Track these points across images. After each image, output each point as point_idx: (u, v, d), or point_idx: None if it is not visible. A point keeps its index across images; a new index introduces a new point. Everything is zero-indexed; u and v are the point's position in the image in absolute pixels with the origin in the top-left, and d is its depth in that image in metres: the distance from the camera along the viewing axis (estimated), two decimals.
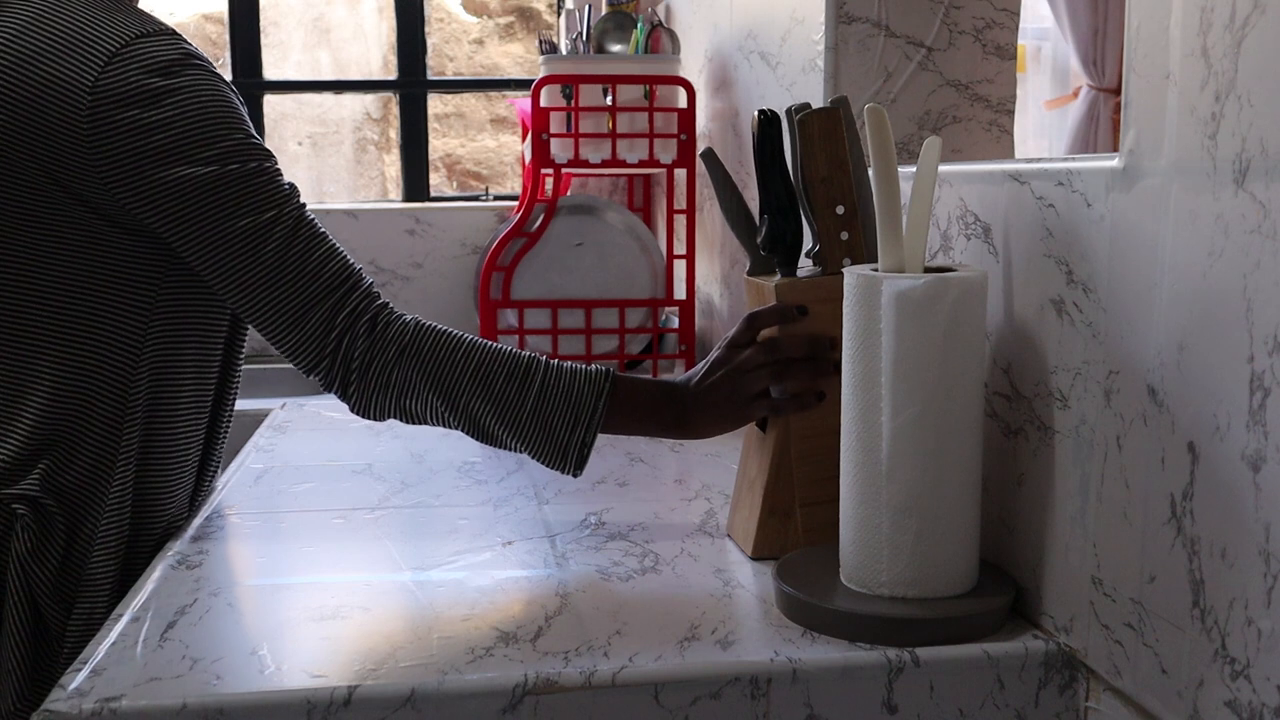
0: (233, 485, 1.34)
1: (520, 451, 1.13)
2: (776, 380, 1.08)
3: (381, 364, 1.10)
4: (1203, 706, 0.73)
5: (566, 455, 1.11)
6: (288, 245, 1.09)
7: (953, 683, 0.86)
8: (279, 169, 1.13)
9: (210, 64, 1.13)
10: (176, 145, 1.07)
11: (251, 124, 1.14)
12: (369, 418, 1.14)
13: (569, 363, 1.13)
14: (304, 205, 1.13)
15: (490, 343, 1.13)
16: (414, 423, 1.15)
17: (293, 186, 1.14)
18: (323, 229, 1.13)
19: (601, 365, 1.13)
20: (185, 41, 1.12)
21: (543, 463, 1.12)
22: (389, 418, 1.14)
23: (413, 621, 0.93)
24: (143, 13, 1.14)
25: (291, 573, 1.05)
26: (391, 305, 1.14)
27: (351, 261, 1.13)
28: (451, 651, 0.87)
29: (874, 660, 0.86)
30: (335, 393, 1.13)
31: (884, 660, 0.86)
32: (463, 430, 1.14)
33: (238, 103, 1.13)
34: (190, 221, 1.08)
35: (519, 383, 1.10)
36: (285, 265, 1.09)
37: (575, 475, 1.13)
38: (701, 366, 1.13)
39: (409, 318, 1.13)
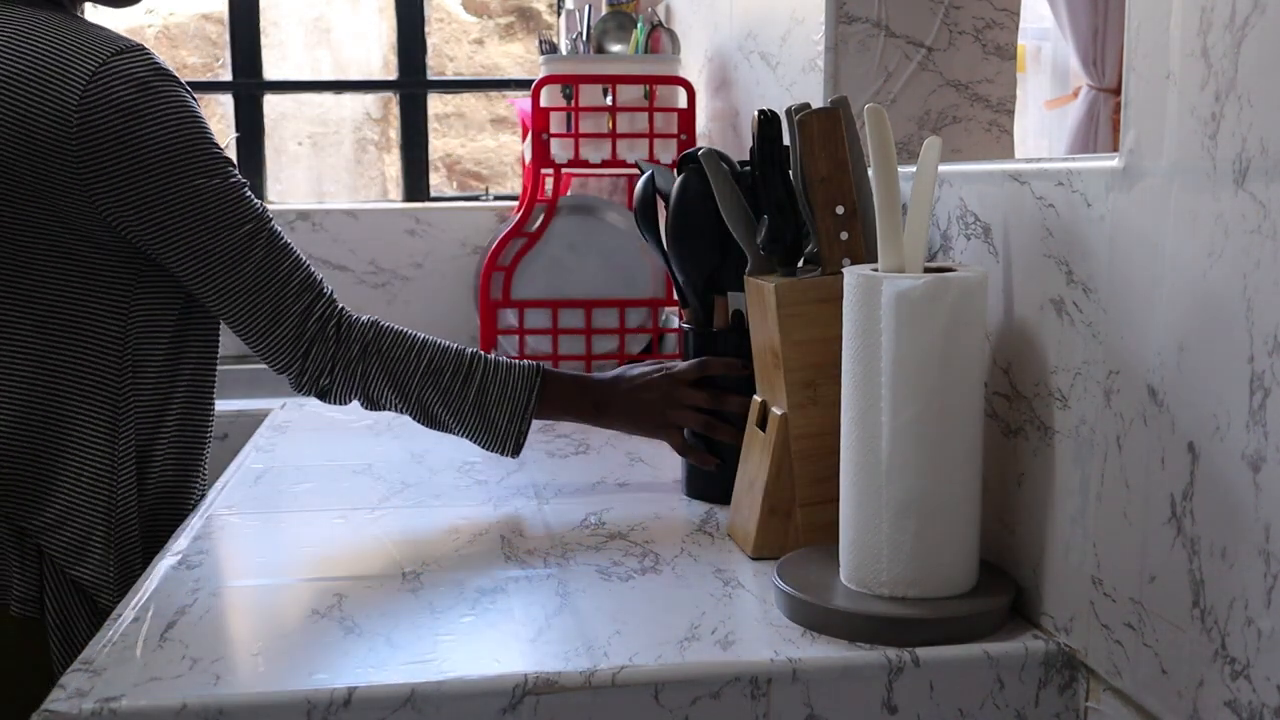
0: (233, 485, 1.34)
1: (463, 437, 1.28)
2: (707, 430, 1.24)
3: (346, 361, 1.23)
4: (1203, 706, 0.73)
5: (505, 443, 1.27)
6: (264, 259, 1.20)
7: (953, 683, 0.86)
8: (244, 180, 1.22)
9: (178, 78, 1.19)
10: (160, 160, 1.14)
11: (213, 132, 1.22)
12: (334, 404, 1.28)
13: (505, 359, 1.28)
14: (271, 218, 1.22)
15: (437, 339, 1.27)
16: (375, 409, 1.28)
17: (260, 201, 1.23)
18: (288, 239, 1.23)
19: (531, 362, 1.28)
20: (155, 56, 1.18)
21: (482, 447, 1.28)
22: (352, 402, 1.28)
23: (413, 621, 0.93)
24: (111, 32, 1.19)
25: (291, 573, 1.05)
26: (344, 306, 1.26)
27: (313, 269, 1.25)
28: (451, 651, 0.87)
29: (874, 660, 0.86)
30: (304, 389, 1.25)
31: (884, 660, 0.86)
32: (413, 417, 1.28)
33: (203, 115, 1.21)
34: (175, 234, 1.16)
35: (463, 378, 1.25)
36: (262, 278, 1.20)
37: (513, 457, 1.29)
38: (640, 374, 1.30)
39: (364, 318, 1.26)
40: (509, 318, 1.90)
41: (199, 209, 1.16)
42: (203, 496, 1.31)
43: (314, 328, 1.21)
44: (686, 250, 1.25)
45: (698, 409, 1.25)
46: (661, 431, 1.28)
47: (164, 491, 1.26)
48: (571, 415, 1.31)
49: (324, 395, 1.25)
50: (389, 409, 1.27)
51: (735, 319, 1.24)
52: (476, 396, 1.24)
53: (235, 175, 1.20)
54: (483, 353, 1.27)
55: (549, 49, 1.97)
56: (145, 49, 1.17)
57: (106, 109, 1.11)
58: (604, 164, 1.85)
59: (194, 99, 1.19)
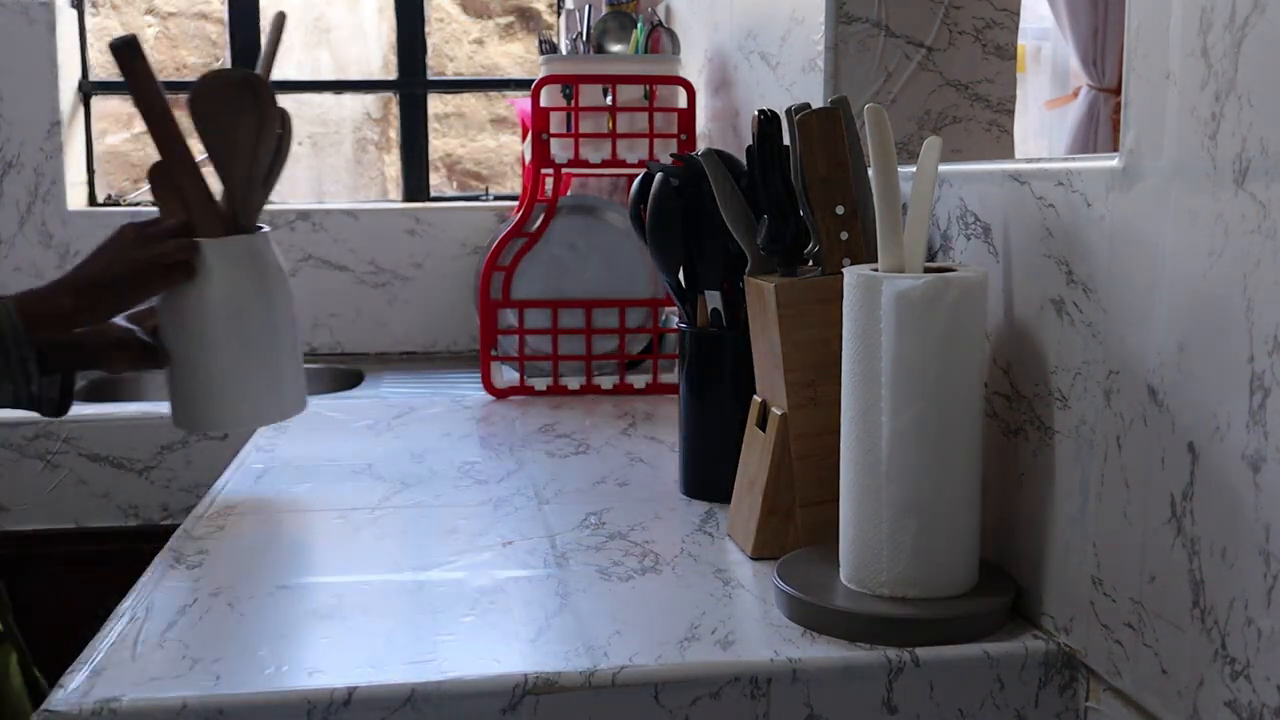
0: (233, 485, 1.34)
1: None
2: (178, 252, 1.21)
3: None
4: (1203, 706, 0.73)
5: (29, 376, 1.16)
6: None
7: (953, 683, 0.86)
8: None
9: None
10: None
11: None
12: None
13: None
14: None
15: None
16: None
17: None
18: None
19: None
20: None
21: (14, 395, 1.17)
22: None
23: (413, 621, 0.93)
24: None
25: (291, 573, 1.05)
26: None
27: None
28: (451, 651, 0.87)
29: (874, 660, 0.86)
30: None
31: (884, 660, 0.86)
32: None
33: None
34: None
35: None
36: None
37: (53, 414, 1.21)
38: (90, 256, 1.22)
39: None
40: (509, 318, 1.90)
41: None
42: None
43: None
44: (658, 249, 1.27)
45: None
46: (166, 273, 1.22)
47: None
48: (60, 324, 1.20)
49: None
50: None
51: (713, 318, 1.24)
52: None
53: None
54: None
55: (549, 49, 1.97)
56: None
57: None
58: (604, 164, 1.85)
59: None
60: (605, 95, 1.87)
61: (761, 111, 1.08)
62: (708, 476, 1.25)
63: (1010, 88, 1.37)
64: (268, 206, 2.20)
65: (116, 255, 1.20)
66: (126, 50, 1.22)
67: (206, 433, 1.33)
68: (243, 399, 1.27)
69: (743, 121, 1.73)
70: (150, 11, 2.66)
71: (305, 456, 1.48)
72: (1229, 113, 0.68)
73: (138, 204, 2.52)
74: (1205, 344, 0.71)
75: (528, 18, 2.79)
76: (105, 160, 2.60)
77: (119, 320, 1.30)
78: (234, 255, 1.25)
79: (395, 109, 2.66)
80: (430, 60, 2.62)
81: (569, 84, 1.85)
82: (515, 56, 2.78)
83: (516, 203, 2.30)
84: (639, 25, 1.94)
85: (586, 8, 2.00)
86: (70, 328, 1.22)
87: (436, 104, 2.68)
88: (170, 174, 1.25)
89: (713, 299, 1.24)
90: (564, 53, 2.04)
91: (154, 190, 1.26)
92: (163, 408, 1.42)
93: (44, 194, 2.40)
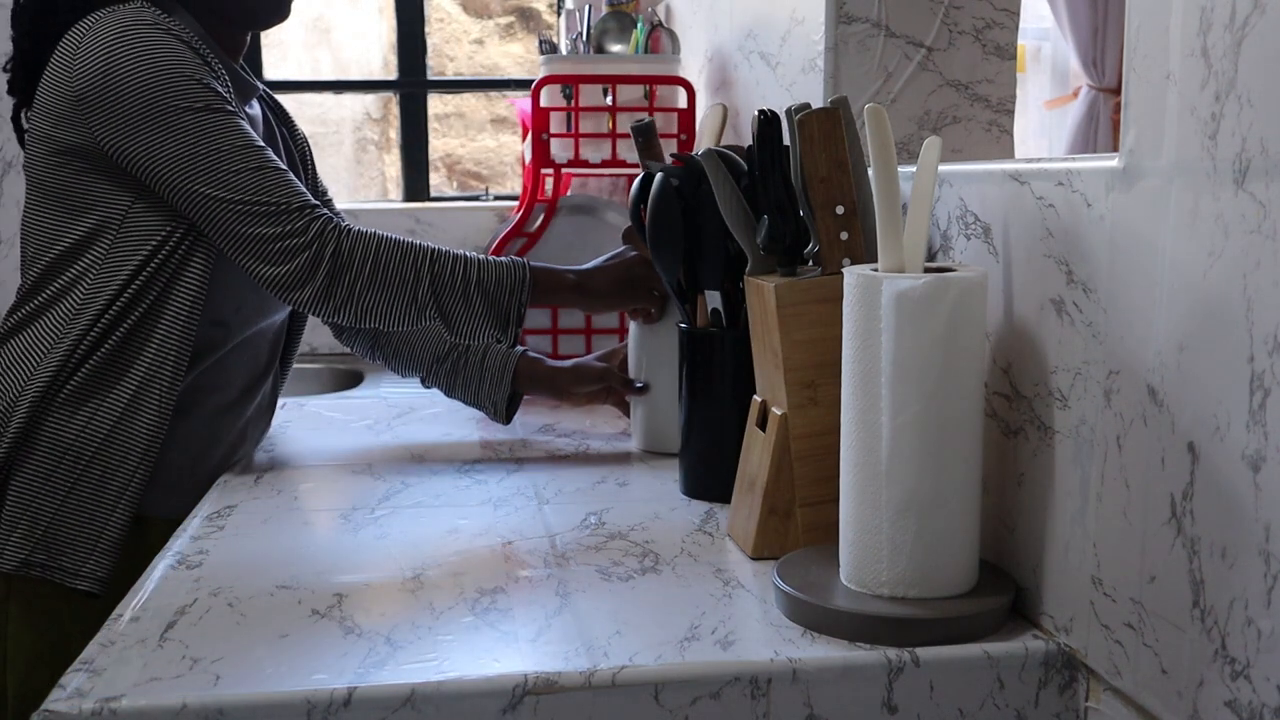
0: (233, 485, 1.34)
1: (468, 328, 1.33)
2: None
3: (349, 267, 1.28)
4: (1203, 706, 0.73)
5: (508, 320, 1.34)
6: (263, 163, 1.26)
7: (953, 683, 0.86)
8: (235, 110, 1.29)
9: (164, 27, 1.28)
10: (139, 91, 1.24)
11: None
12: (335, 318, 1.31)
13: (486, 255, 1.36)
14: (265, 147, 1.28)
15: (425, 243, 1.33)
16: (378, 322, 1.31)
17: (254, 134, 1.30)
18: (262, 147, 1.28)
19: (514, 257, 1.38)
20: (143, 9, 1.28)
21: (489, 330, 1.34)
22: (352, 316, 1.30)
23: (413, 621, 0.93)
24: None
25: (291, 573, 1.05)
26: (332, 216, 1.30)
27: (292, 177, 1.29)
28: (451, 651, 0.87)
29: (874, 660, 0.86)
30: (309, 299, 1.28)
31: (884, 660, 0.86)
32: (417, 315, 1.32)
33: (188, 56, 1.27)
34: (167, 159, 1.25)
35: (463, 267, 1.32)
36: (265, 178, 1.26)
37: (511, 345, 1.40)
38: (606, 260, 1.44)
39: (358, 227, 1.31)
40: None
41: (190, 134, 1.24)
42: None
43: (317, 231, 1.26)
44: (658, 249, 1.28)
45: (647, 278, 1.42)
46: (647, 297, 1.42)
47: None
48: (559, 296, 1.41)
49: (328, 293, 1.28)
50: (400, 308, 1.30)
51: (713, 318, 1.24)
52: (479, 280, 1.32)
53: (220, 105, 1.26)
54: (468, 254, 1.35)
55: (549, 49, 1.97)
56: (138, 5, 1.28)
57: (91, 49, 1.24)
58: (604, 164, 1.85)
59: (183, 43, 1.27)
60: (605, 95, 1.87)
61: (761, 111, 1.08)
62: (708, 476, 1.25)
63: (1010, 88, 1.37)
64: None
65: (623, 266, 1.42)
66: (645, 132, 1.49)
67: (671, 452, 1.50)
68: None
69: (743, 121, 1.73)
70: None
71: (305, 456, 1.48)
72: (1229, 113, 0.68)
73: None
74: (1205, 344, 0.71)
75: (528, 18, 2.80)
76: None
77: (591, 360, 1.56)
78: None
79: (395, 109, 2.66)
80: (430, 60, 2.62)
81: (569, 84, 1.85)
82: (515, 56, 2.78)
83: (516, 203, 2.30)
84: (639, 25, 1.94)
85: (586, 8, 2.00)
86: (561, 300, 1.43)
87: (436, 104, 2.68)
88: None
89: (713, 299, 1.24)
90: (564, 53, 2.04)
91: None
92: None
93: None
